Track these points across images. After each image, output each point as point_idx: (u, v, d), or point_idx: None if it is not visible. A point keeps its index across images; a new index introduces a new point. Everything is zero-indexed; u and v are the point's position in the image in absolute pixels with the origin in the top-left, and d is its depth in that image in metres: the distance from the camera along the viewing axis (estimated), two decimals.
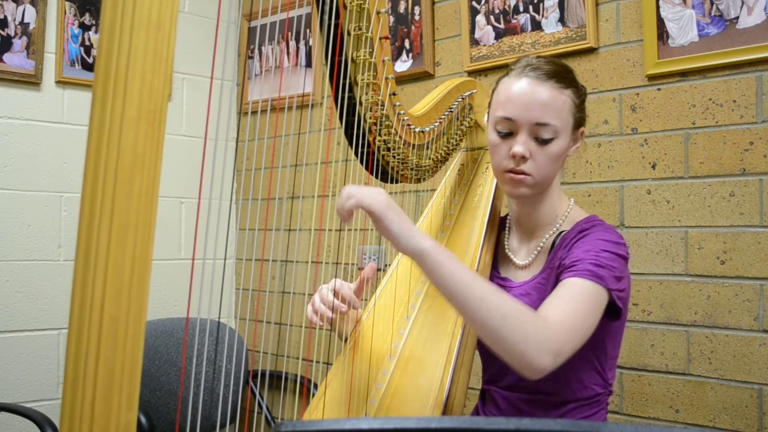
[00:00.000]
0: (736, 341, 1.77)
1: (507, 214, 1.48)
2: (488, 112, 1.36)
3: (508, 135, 1.27)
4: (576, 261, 1.19)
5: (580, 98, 1.30)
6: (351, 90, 1.19)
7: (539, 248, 1.35)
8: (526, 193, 1.30)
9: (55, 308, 2.59)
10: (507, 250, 1.41)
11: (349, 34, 1.15)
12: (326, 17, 1.11)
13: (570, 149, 1.31)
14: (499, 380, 1.37)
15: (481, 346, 1.40)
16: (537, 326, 1.07)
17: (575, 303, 1.14)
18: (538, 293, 1.30)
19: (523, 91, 1.25)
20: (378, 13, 1.16)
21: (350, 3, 1.13)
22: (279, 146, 2.75)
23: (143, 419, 2.23)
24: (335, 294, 1.29)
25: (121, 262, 0.64)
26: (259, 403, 2.68)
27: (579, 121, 1.31)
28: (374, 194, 1.10)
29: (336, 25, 1.12)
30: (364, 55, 1.17)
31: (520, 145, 1.25)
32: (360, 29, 1.16)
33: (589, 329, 1.15)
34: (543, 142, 1.25)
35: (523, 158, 1.25)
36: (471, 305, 1.06)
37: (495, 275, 1.40)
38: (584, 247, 1.22)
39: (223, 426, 2.51)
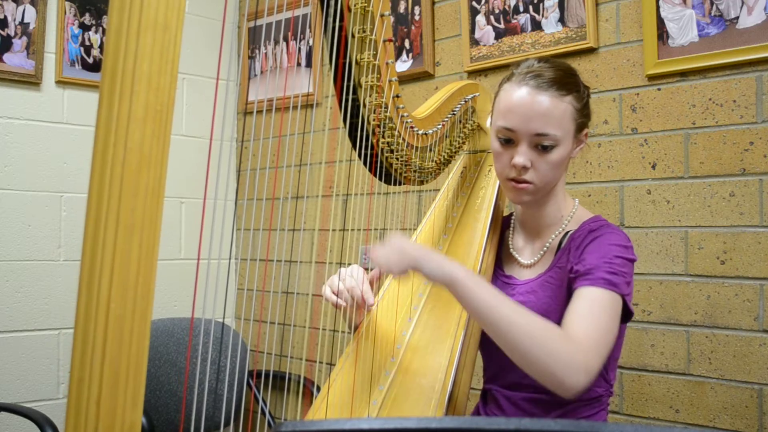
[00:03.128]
0: (736, 341, 1.78)
1: (511, 213, 1.48)
2: (491, 116, 1.36)
3: (509, 142, 1.28)
4: (591, 269, 1.21)
5: (582, 102, 1.30)
6: (355, 92, 1.20)
7: (545, 248, 1.35)
8: (528, 201, 1.32)
9: (54, 308, 2.59)
10: (511, 249, 1.42)
11: (353, 36, 1.15)
12: (331, 20, 1.11)
13: (574, 151, 1.32)
14: (500, 378, 1.38)
15: (482, 345, 1.41)
16: (566, 347, 1.10)
17: (597, 316, 1.16)
18: (544, 291, 1.31)
19: (523, 101, 1.25)
20: (382, 16, 1.16)
21: (354, 6, 1.14)
22: (281, 146, 2.75)
23: (144, 419, 2.23)
24: (351, 288, 1.31)
25: (127, 261, 0.64)
26: (260, 403, 2.68)
27: (581, 124, 1.31)
28: (403, 252, 1.16)
29: (340, 28, 1.12)
30: (368, 58, 1.17)
31: (521, 155, 1.26)
32: (364, 32, 1.16)
33: (613, 339, 1.18)
34: (544, 149, 1.26)
35: (524, 168, 1.27)
36: (501, 329, 1.11)
37: (499, 273, 1.41)
38: (597, 253, 1.23)
39: (225, 426, 2.51)
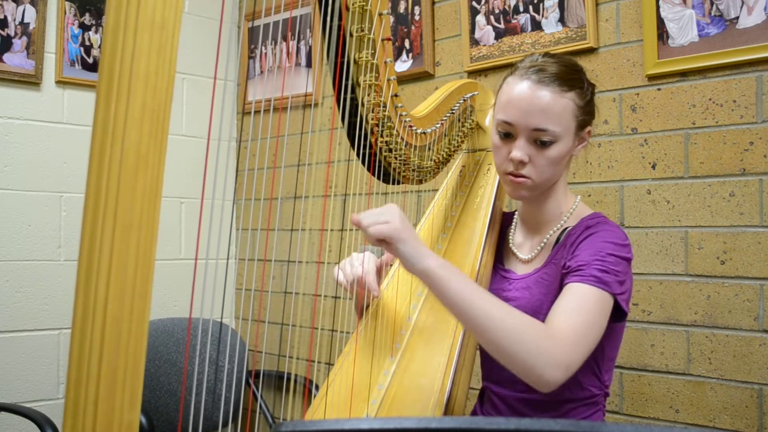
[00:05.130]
0: (736, 341, 1.78)
1: (514, 211, 1.48)
2: (493, 110, 1.37)
3: (508, 136, 1.28)
4: (582, 265, 1.20)
5: (584, 99, 1.29)
6: (353, 91, 1.19)
7: (543, 243, 1.35)
8: (526, 196, 1.32)
9: (55, 308, 2.59)
10: (511, 245, 1.42)
11: (351, 35, 1.15)
12: (329, 19, 1.11)
13: (575, 149, 1.31)
14: (495, 378, 1.38)
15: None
16: (545, 342, 1.09)
17: (582, 312, 1.15)
18: (538, 287, 1.31)
19: (523, 95, 1.25)
20: (380, 14, 1.16)
21: (353, 5, 1.14)
22: (280, 146, 2.75)
23: (143, 419, 2.23)
24: (360, 279, 1.34)
25: (125, 262, 0.64)
26: (259, 402, 2.68)
27: (583, 122, 1.30)
28: (385, 218, 1.11)
29: (338, 27, 1.12)
30: (367, 57, 1.17)
31: (519, 149, 1.26)
32: (362, 31, 1.16)
33: (597, 337, 1.17)
34: (542, 145, 1.25)
35: (522, 163, 1.26)
36: (477, 323, 1.09)
37: (498, 268, 1.41)
38: (590, 249, 1.22)
39: (224, 426, 2.51)
